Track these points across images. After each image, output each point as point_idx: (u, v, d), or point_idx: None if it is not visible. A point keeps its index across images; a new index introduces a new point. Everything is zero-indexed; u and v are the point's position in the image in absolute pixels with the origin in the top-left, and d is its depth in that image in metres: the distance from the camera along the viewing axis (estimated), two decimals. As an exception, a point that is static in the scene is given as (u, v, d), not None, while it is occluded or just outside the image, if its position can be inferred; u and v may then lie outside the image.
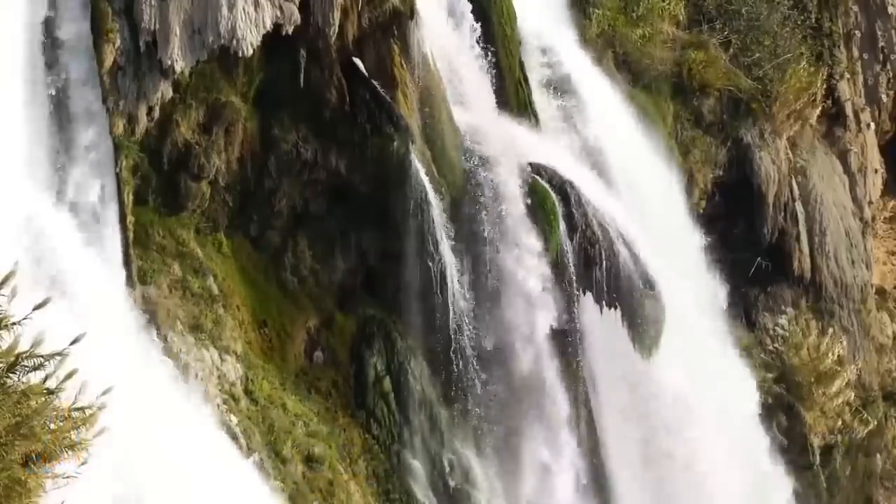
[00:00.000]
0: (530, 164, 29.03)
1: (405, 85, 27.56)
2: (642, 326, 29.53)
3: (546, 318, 28.78)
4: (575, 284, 29.04)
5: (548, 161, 29.36)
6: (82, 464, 12.86)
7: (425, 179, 27.32)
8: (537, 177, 28.99)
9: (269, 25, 25.52)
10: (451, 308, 27.66)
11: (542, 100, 31.16)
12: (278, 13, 25.60)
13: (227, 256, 27.48)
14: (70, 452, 12.68)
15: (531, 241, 28.54)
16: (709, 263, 34.08)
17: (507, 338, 28.68)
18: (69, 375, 12.67)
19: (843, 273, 36.63)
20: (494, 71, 29.63)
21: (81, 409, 12.69)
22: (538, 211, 28.67)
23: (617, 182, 31.04)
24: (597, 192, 29.90)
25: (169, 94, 25.44)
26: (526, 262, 28.54)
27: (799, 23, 36.46)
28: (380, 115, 27.20)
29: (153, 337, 25.15)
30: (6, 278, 12.98)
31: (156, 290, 25.97)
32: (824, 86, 37.40)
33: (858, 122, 38.77)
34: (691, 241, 33.54)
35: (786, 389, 35.06)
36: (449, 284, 27.58)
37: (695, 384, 30.37)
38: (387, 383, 28.31)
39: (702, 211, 34.91)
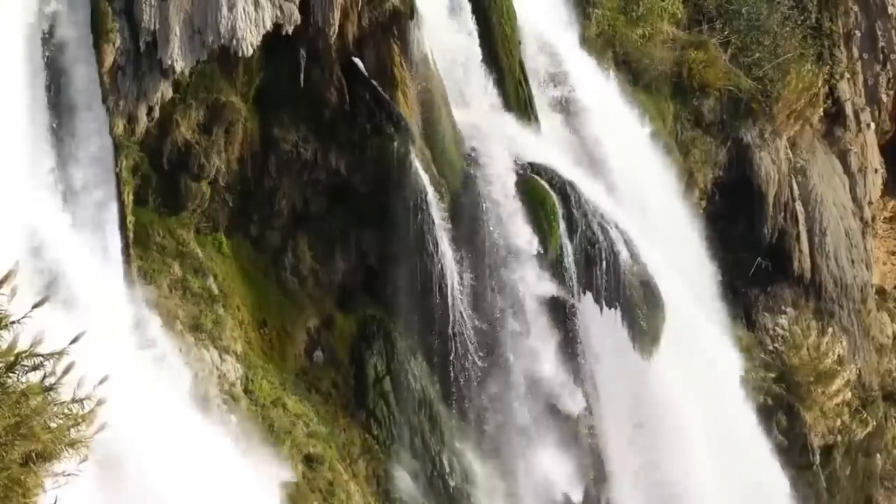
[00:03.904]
0: (530, 163, 29.03)
1: (405, 85, 27.56)
2: (642, 326, 29.51)
3: (545, 317, 28.81)
4: (575, 284, 29.04)
5: (547, 161, 29.36)
6: (82, 461, 12.86)
7: (425, 179, 27.31)
8: (537, 177, 28.98)
9: (269, 25, 25.53)
10: (450, 308, 27.66)
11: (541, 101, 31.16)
12: (278, 13, 25.60)
13: (227, 256, 27.49)
14: (70, 450, 12.68)
15: (531, 240, 28.53)
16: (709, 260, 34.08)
17: (507, 336, 28.69)
18: (67, 370, 12.67)
19: (843, 273, 36.62)
20: (494, 71, 29.63)
21: (80, 401, 12.68)
22: (538, 211, 28.67)
23: (616, 180, 31.03)
24: (596, 191, 29.90)
25: (169, 94, 25.45)
26: (525, 262, 28.54)
27: (799, 23, 36.45)
28: (380, 115, 27.20)
29: (153, 336, 25.14)
30: (6, 278, 12.98)
31: (156, 290, 25.97)
32: (825, 86, 37.40)
33: (858, 122, 38.76)
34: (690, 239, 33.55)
35: (786, 389, 35.03)
36: (449, 284, 27.58)
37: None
38: (387, 383, 28.31)
39: (702, 211, 34.90)
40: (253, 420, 26.26)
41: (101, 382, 13.05)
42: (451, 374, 28.24)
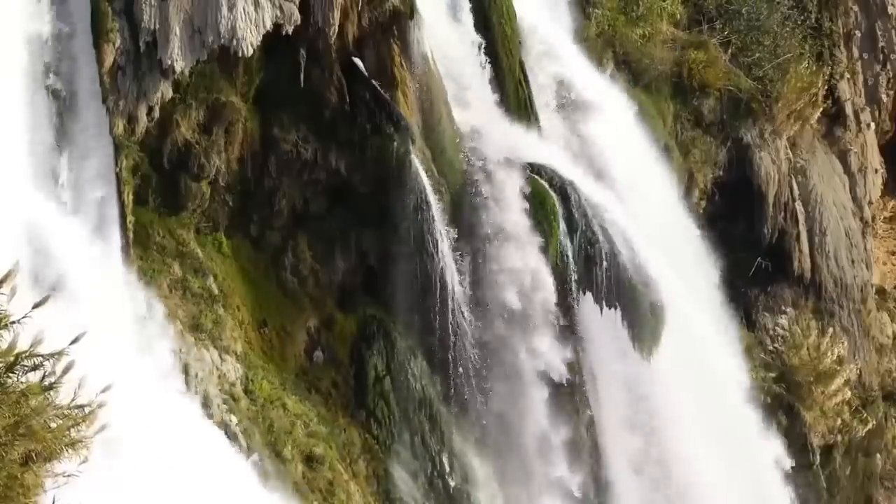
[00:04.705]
0: (530, 164, 29.03)
1: (405, 85, 27.57)
2: (642, 326, 29.51)
3: (545, 318, 28.80)
4: (575, 284, 29.04)
5: (547, 161, 29.36)
6: (82, 462, 12.86)
7: (425, 179, 27.32)
8: (537, 177, 28.98)
9: (269, 25, 25.54)
10: (450, 308, 27.66)
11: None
12: (278, 13, 25.61)
13: (227, 256, 27.49)
14: (70, 451, 12.68)
15: (530, 241, 28.54)
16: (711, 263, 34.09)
17: (507, 337, 28.69)
18: (67, 369, 12.67)
19: (843, 273, 36.62)
20: (494, 71, 29.63)
21: (81, 406, 12.69)
22: (538, 211, 28.67)
23: (616, 180, 31.04)
24: (596, 191, 29.90)
25: (169, 94, 25.46)
26: (525, 262, 28.54)
27: (799, 23, 36.46)
28: (380, 115, 27.21)
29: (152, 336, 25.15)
30: (6, 277, 12.97)
31: (156, 290, 25.97)
32: (825, 86, 37.41)
33: (858, 122, 38.75)
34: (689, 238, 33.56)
35: (786, 389, 35.04)
36: (449, 284, 27.58)
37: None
38: (387, 383, 28.31)
39: (702, 211, 34.91)
40: (253, 420, 26.27)
41: (103, 390, 13.04)
42: (451, 374, 28.24)
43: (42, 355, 12.89)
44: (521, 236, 28.59)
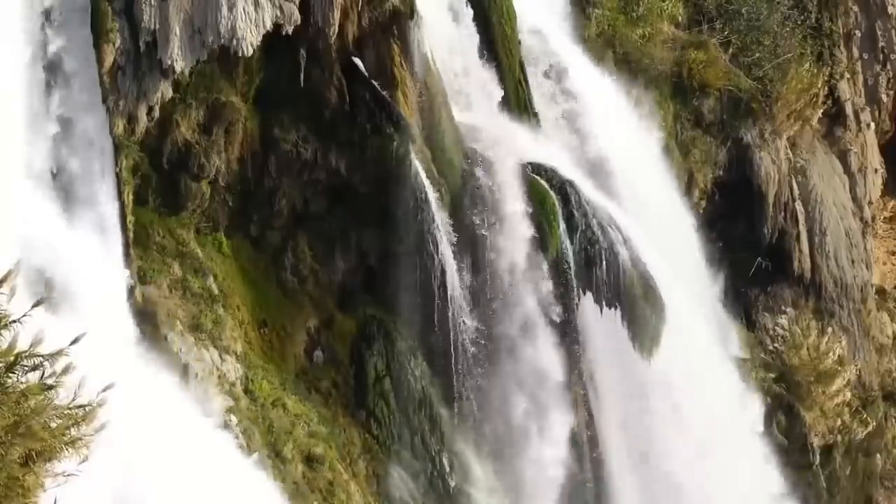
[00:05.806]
0: (530, 163, 29.03)
1: (405, 85, 27.57)
2: (642, 326, 29.51)
3: (545, 318, 28.80)
4: (575, 284, 29.03)
5: (548, 161, 29.37)
6: (82, 461, 12.86)
7: (425, 179, 27.32)
8: (537, 177, 28.98)
9: (269, 25, 25.54)
10: (451, 308, 27.66)
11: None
12: (278, 13, 25.61)
13: (227, 256, 27.50)
14: (70, 450, 12.68)
15: (530, 241, 28.54)
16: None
17: (507, 336, 28.70)
18: (66, 370, 12.68)
19: (843, 273, 36.63)
20: (494, 71, 29.64)
21: (81, 407, 12.69)
22: (538, 211, 28.67)
23: (616, 180, 31.04)
24: (595, 190, 29.92)
25: (169, 93, 25.46)
26: (525, 262, 28.55)
27: (799, 23, 36.48)
28: (380, 115, 27.21)
29: (153, 337, 25.15)
30: (6, 277, 12.97)
31: (156, 290, 25.97)
32: (825, 86, 37.43)
33: (858, 122, 38.77)
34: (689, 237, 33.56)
35: (786, 389, 35.05)
36: (449, 284, 27.58)
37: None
38: (387, 383, 28.31)
39: (702, 211, 34.92)
40: (253, 420, 26.27)
41: (104, 389, 13.04)
42: (451, 375, 28.23)
43: (42, 355, 12.89)
44: (521, 235, 28.60)
